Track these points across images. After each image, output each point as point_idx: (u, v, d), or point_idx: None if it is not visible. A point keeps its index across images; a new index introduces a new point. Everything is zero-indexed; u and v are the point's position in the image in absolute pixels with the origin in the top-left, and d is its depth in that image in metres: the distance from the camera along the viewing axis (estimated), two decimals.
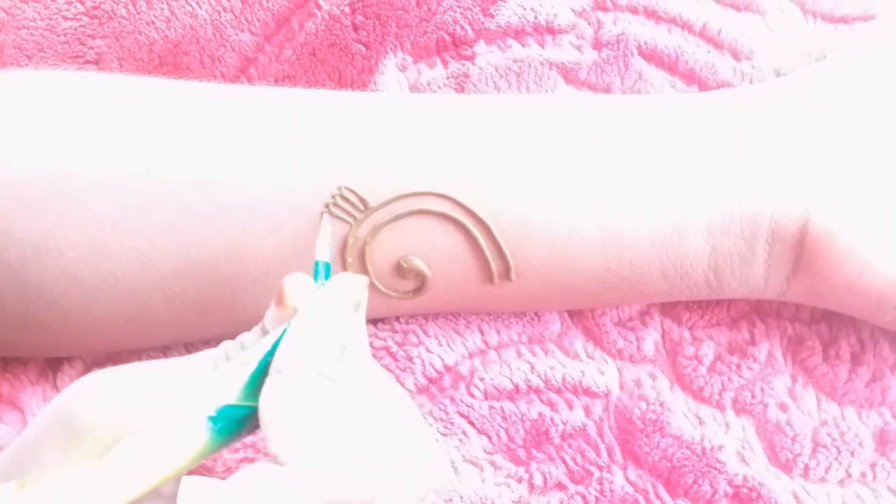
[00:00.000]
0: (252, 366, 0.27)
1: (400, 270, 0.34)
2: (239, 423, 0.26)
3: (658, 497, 0.35)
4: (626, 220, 0.33)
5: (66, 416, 0.26)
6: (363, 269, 0.34)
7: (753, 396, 0.36)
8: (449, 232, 0.33)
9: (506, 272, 0.34)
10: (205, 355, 0.28)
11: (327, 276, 0.30)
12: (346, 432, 0.26)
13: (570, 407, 0.36)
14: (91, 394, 0.26)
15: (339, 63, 0.41)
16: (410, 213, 0.33)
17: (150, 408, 0.26)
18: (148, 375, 0.27)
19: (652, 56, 0.40)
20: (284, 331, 0.27)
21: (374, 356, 0.37)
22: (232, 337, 0.37)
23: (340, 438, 0.26)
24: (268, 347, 0.27)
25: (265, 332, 0.28)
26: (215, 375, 0.27)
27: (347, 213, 0.33)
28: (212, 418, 0.26)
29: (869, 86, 0.33)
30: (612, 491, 0.35)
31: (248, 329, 0.37)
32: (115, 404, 0.26)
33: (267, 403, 0.26)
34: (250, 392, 0.26)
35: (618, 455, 0.36)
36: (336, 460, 0.25)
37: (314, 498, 0.25)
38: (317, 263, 0.30)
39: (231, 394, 0.26)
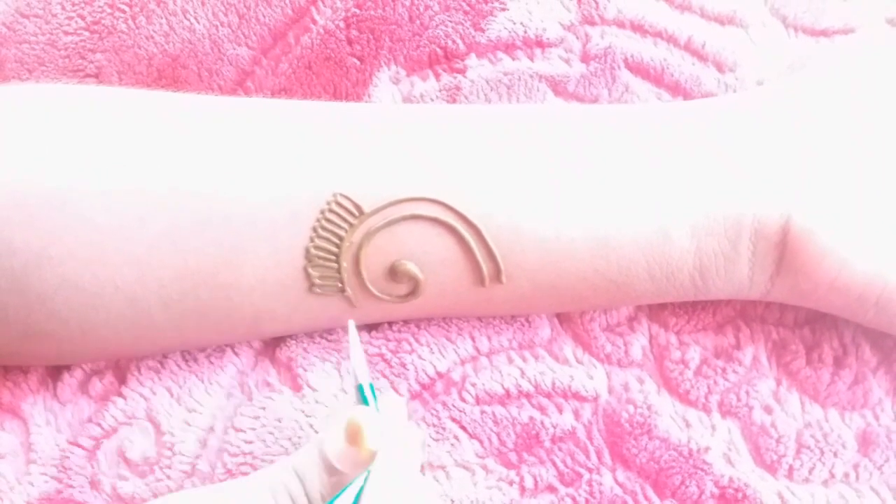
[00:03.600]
0: None
1: (393, 274, 0.34)
2: None
3: (646, 498, 0.35)
4: (613, 222, 0.33)
5: None
6: (357, 274, 0.34)
7: (739, 399, 0.36)
8: (441, 236, 0.34)
9: (496, 275, 0.34)
10: (260, 485, 0.28)
11: (374, 397, 0.29)
12: None
13: (560, 411, 0.37)
14: None
15: (334, 76, 0.42)
16: (403, 219, 0.33)
17: None
18: None
19: (638, 69, 0.40)
20: (366, 479, 0.27)
21: (369, 363, 0.37)
22: (227, 344, 0.38)
23: None
24: (352, 499, 0.27)
25: (328, 467, 0.28)
26: None
27: (342, 219, 0.34)
28: None
29: (845, 92, 0.34)
30: (601, 493, 0.35)
31: (245, 337, 0.37)
32: None
33: None
34: None
35: (607, 457, 0.36)
36: None
37: None
38: (361, 387, 0.29)
39: None
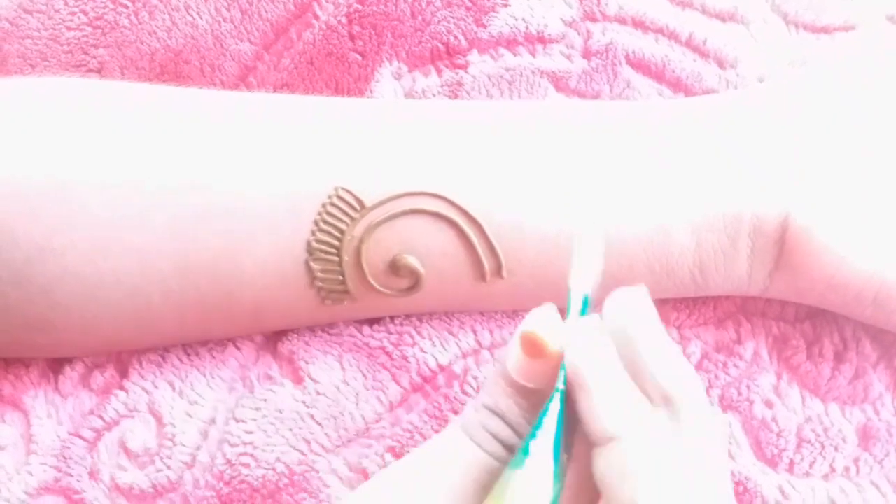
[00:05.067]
0: (550, 441, 0.25)
1: (394, 268, 0.34)
2: None
3: None
4: (613, 219, 0.33)
5: None
6: (358, 268, 0.34)
7: (740, 393, 0.36)
8: (442, 231, 0.34)
9: (498, 270, 0.34)
10: (451, 437, 0.28)
11: (584, 312, 0.26)
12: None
13: None
14: None
15: (336, 72, 0.42)
16: (405, 213, 0.34)
17: None
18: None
19: (640, 65, 0.40)
20: (564, 382, 0.25)
21: (371, 356, 0.37)
22: (229, 338, 0.38)
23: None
24: (555, 416, 0.25)
25: (520, 389, 0.26)
26: (529, 466, 0.25)
27: (344, 212, 0.34)
28: None
29: (845, 91, 0.34)
30: None
31: (247, 331, 0.37)
32: None
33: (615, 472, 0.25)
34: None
35: None
36: None
37: None
38: (580, 296, 0.26)
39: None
